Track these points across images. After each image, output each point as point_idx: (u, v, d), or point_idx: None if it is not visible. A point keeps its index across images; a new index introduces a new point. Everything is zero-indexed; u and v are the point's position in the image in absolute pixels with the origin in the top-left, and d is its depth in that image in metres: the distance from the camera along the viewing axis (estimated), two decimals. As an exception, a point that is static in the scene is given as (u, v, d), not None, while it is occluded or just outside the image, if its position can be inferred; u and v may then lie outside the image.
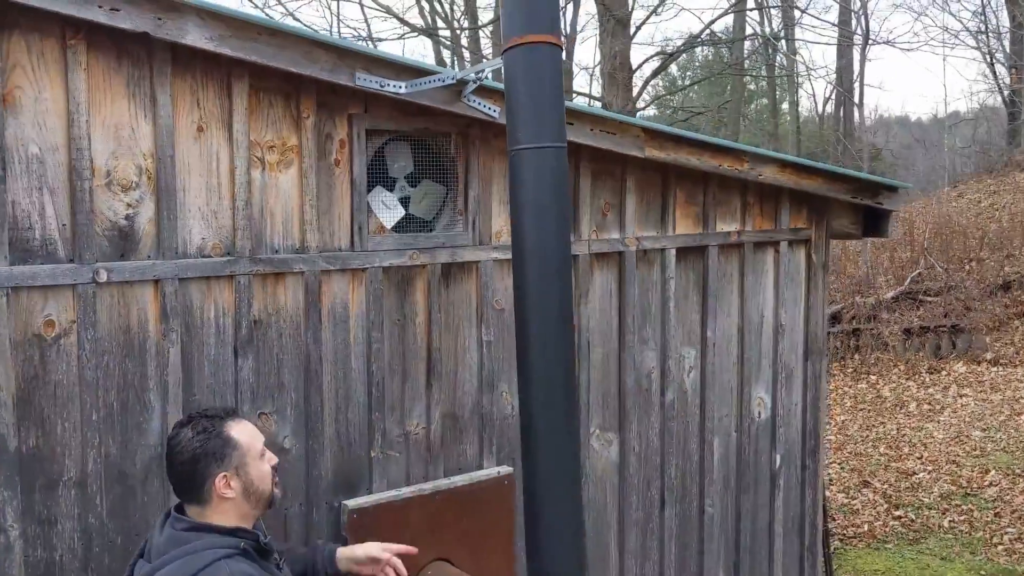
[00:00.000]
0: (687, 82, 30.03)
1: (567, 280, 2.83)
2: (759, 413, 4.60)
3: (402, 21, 16.68)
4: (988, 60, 30.75)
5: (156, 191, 2.93)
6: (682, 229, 4.21)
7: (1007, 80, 28.89)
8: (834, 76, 26.98)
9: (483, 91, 3.37)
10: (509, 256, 3.67)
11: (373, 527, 3.30)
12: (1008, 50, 27.28)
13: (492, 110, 3.40)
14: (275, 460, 2.55)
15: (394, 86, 3.18)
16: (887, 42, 32.74)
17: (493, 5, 19.00)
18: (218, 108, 3.03)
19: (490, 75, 3.30)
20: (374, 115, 3.33)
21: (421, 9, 19.01)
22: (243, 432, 2.46)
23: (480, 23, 18.09)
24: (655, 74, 18.19)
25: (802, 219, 4.66)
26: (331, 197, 3.28)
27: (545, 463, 2.81)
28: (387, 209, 3.47)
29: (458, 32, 18.11)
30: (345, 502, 3.30)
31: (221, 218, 3.06)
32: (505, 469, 3.69)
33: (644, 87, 18.26)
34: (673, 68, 30.32)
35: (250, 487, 2.45)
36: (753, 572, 4.62)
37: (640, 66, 17.53)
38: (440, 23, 18.87)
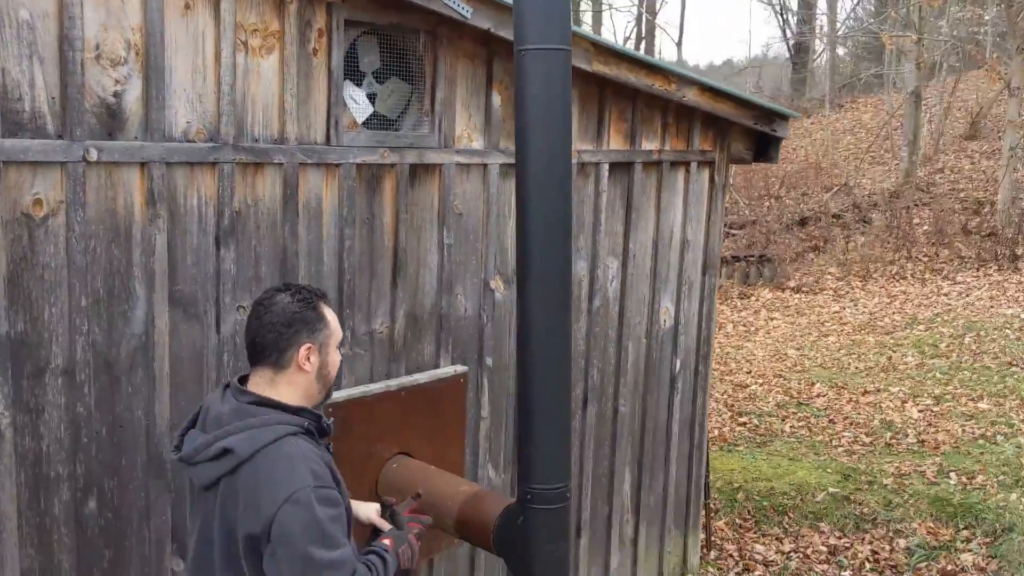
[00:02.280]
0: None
1: (568, 184, 2.97)
2: (664, 321, 4.92)
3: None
4: (779, 11, 33.01)
5: (144, 69, 2.80)
6: (615, 145, 4.40)
7: (793, 30, 31.19)
8: (635, 10, 27.90)
9: (459, -9, 3.39)
10: (471, 160, 3.75)
11: (346, 421, 3.33)
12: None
13: (465, 10, 3.43)
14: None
15: (383, -22, 3.15)
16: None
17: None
18: (207, -14, 2.91)
19: (471, -25, 3.32)
20: (351, 5, 3.28)
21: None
22: (332, 317, 2.44)
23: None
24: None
25: (709, 142, 4.96)
26: (309, 88, 3.22)
27: (541, 359, 2.98)
28: (356, 104, 3.45)
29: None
30: (323, 395, 3.31)
31: (206, 102, 2.96)
32: (460, 368, 3.81)
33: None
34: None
35: (324, 368, 2.41)
36: (654, 468, 4.98)
37: None
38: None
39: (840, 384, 8.49)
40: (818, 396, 8.23)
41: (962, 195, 18.60)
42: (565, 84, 2.91)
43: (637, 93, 4.40)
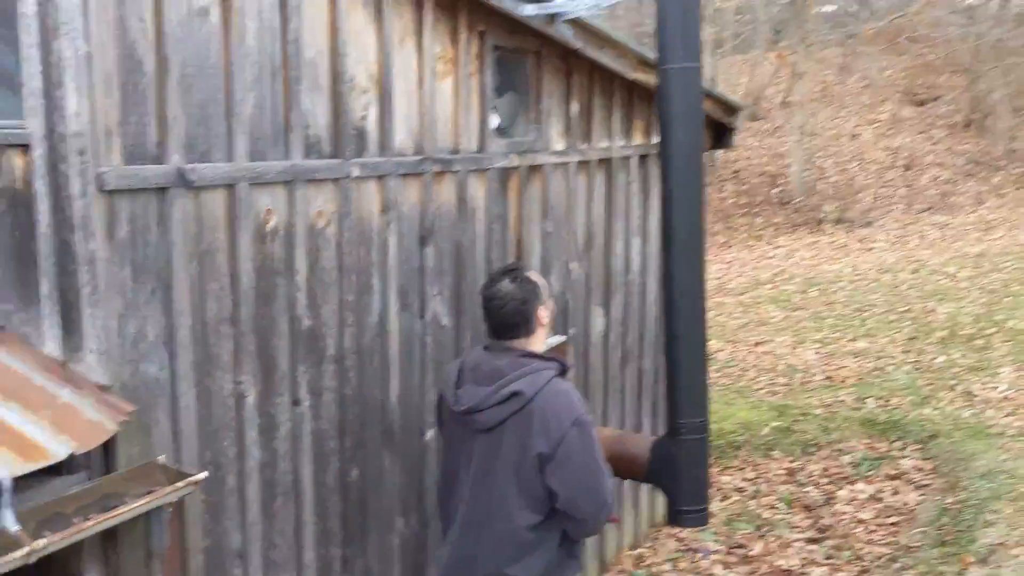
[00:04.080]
0: None
1: (701, 171, 3.71)
2: (666, 290, 5.72)
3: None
4: None
5: (380, 95, 3.26)
6: (637, 140, 5.14)
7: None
8: None
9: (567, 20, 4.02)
10: (560, 160, 4.38)
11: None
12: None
13: (569, 34, 4.06)
14: None
15: (532, 8, 3.73)
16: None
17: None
18: (412, 21, 3.39)
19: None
20: (493, 34, 3.83)
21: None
22: (538, 276, 3.15)
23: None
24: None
25: (689, 133, 5.79)
26: (469, 105, 3.75)
27: (684, 315, 3.71)
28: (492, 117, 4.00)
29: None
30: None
31: (412, 121, 3.44)
32: (562, 337, 4.45)
33: None
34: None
35: (551, 314, 3.14)
36: (659, 412, 5.79)
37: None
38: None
39: (731, 340, 9.68)
40: (717, 351, 9.36)
41: (758, 170, 20.72)
42: (699, 93, 3.64)
43: (651, 95, 5.15)
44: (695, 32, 3.61)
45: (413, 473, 3.61)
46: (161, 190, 2.52)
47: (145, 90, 2.46)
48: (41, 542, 2.16)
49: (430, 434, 3.68)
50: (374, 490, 3.43)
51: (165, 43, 2.48)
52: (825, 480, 6.36)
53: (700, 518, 3.86)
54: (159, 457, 2.57)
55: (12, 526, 2.16)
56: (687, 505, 3.80)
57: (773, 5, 25.24)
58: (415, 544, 3.68)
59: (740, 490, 6.41)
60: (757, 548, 5.54)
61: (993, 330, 8.48)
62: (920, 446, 6.31)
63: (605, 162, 4.84)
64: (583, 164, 4.62)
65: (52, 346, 2.48)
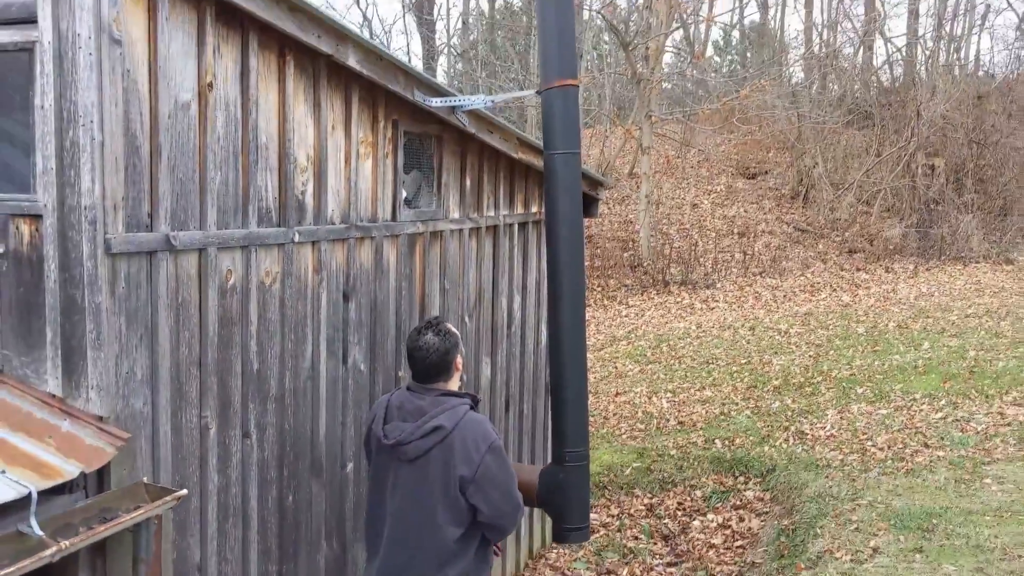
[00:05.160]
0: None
1: (581, 237, 4.43)
2: (541, 340, 6.43)
3: None
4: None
5: (316, 173, 3.84)
6: (518, 209, 5.86)
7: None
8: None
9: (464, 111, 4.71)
10: (456, 227, 5.03)
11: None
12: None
13: (467, 122, 4.75)
14: None
15: (437, 101, 4.40)
16: None
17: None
18: (342, 112, 3.99)
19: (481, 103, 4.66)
20: (405, 121, 4.47)
21: None
22: (455, 329, 3.71)
23: None
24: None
25: (559, 204, 6.57)
26: (385, 181, 4.37)
27: (569, 359, 4.38)
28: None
29: None
30: (408, 406, 4.41)
31: (341, 195, 4.03)
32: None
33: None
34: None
35: (463, 363, 3.72)
36: (537, 452, 6.44)
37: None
38: None
39: (593, 391, 10.47)
40: (580, 402, 10.11)
41: (610, 235, 21.99)
42: (578, 173, 4.37)
43: (529, 170, 5.91)
44: (575, 124, 4.36)
45: (336, 501, 4.12)
46: (151, 253, 3.02)
47: (142, 171, 2.97)
48: (65, 543, 2.61)
49: (350, 467, 4.20)
50: (304, 515, 3.92)
51: (158, 132, 3.01)
52: (680, 512, 7.14)
53: (583, 534, 4.50)
54: (143, 479, 3.03)
55: (37, 532, 2.59)
56: (573, 523, 4.44)
57: (617, 84, 27.07)
58: (337, 565, 4.16)
59: (606, 525, 7.10)
60: (623, 573, 6.22)
61: (820, 378, 9.59)
62: (761, 479, 7.19)
63: (492, 229, 5.52)
64: (475, 230, 5.29)
65: (53, 384, 2.92)
